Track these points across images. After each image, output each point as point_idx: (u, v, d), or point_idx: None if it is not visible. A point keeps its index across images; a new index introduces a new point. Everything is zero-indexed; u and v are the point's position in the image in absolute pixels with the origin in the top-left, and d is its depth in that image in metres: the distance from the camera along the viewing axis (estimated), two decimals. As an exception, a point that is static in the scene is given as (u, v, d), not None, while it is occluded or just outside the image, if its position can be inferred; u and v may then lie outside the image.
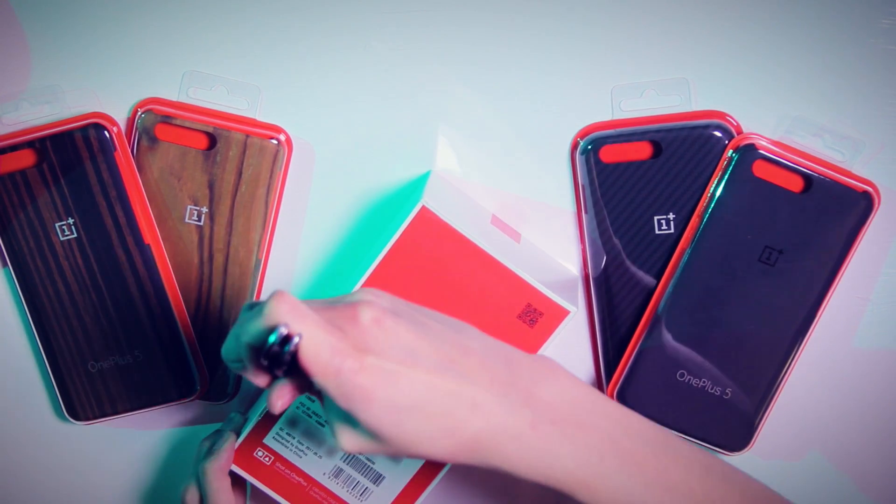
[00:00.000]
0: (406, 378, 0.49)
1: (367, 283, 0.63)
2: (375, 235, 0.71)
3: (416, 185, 0.69)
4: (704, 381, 0.68)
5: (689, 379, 0.68)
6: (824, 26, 0.66)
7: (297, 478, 0.67)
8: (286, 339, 0.48)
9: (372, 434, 0.50)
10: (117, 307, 0.69)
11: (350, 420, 0.50)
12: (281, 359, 0.48)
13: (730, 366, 0.68)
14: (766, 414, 0.68)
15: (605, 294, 0.69)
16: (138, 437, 0.74)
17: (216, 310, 0.70)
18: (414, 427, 0.49)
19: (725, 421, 0.69)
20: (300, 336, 0.48)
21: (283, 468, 0.67)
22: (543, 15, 0.67)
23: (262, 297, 0.70)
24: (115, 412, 0.70)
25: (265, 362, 0.49)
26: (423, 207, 0.62)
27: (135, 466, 0.74)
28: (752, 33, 0.67)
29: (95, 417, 0.71)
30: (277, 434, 0.66)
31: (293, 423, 0.66)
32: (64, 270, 0.68)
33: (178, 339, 0.70)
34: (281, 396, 0.51)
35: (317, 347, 0.48)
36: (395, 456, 0.51)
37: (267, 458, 0.67)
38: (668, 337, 0.68)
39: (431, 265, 0.63)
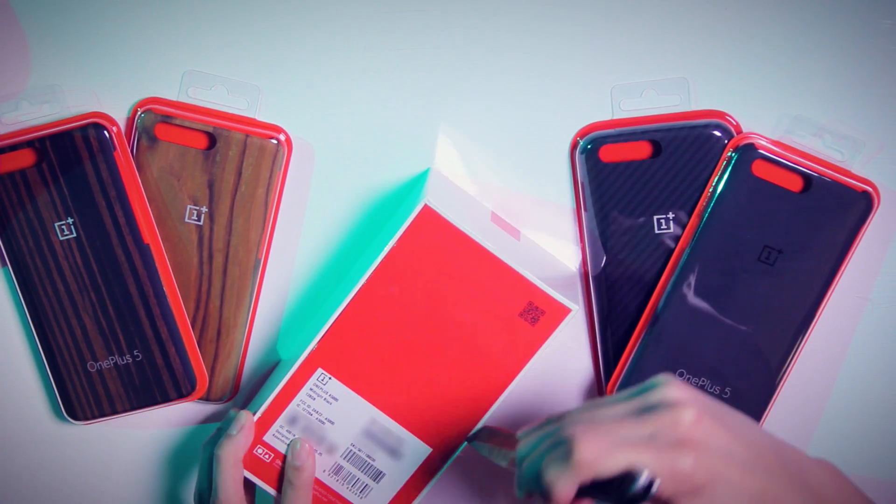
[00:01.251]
0: (726, 484, 0.49)
1: (370, 282, 0.63)
2: (375, 234, 0.70)
3: (416, 184, 0.69)
4: (704, 381, 0.68)
5: (689, 378, 0.68)
6: (824, 26, 0.66)
7: (296, 476, 0.67)
8: (649, 485, 0.48)
9: None
10: (116, 307, 0.69)
11: None
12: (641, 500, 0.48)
13: (729, 365, 0.68)
14: (765, 414, 0.68)
15: (604, 293, 0.69)
16: (137, 437, 0.74)
17: (216, 310, 0.70)
18: None
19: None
20: (659, 480, 0.48)
21: (284, 466, 0.66)
22: (543, 15, 0.67)
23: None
24: (114, 412, 0.70)
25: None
26: (426, 206, 0.62)
27: (133, 466, 0.74)
28: (752, 33, 0.67)
29: (94, 417, 0.70)
30: (277, 431, 0.66)
31: (293, 420, 0.66)
32: (63, 270, 0.68)
33: (177, 339, 0.69)
34: None
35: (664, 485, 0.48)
36: None
37: (267, 456, 0.66)
38: (667, 336, 0.68)
39: (433, 264, 0.63)
